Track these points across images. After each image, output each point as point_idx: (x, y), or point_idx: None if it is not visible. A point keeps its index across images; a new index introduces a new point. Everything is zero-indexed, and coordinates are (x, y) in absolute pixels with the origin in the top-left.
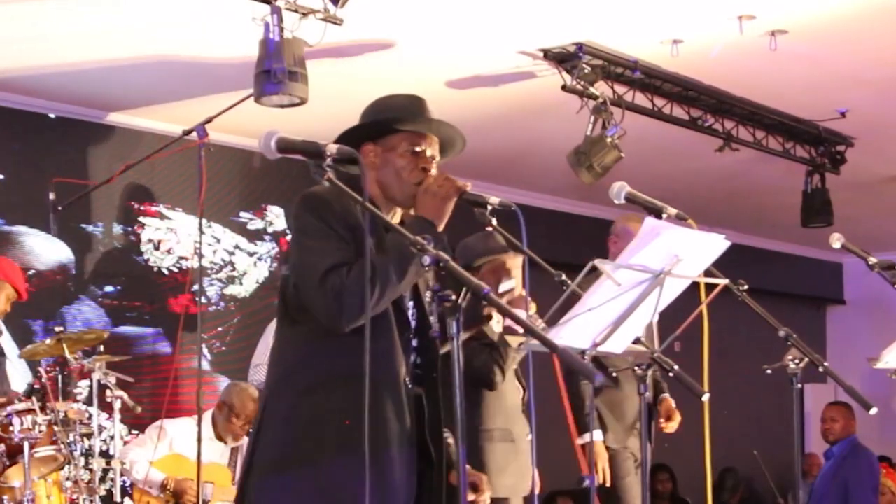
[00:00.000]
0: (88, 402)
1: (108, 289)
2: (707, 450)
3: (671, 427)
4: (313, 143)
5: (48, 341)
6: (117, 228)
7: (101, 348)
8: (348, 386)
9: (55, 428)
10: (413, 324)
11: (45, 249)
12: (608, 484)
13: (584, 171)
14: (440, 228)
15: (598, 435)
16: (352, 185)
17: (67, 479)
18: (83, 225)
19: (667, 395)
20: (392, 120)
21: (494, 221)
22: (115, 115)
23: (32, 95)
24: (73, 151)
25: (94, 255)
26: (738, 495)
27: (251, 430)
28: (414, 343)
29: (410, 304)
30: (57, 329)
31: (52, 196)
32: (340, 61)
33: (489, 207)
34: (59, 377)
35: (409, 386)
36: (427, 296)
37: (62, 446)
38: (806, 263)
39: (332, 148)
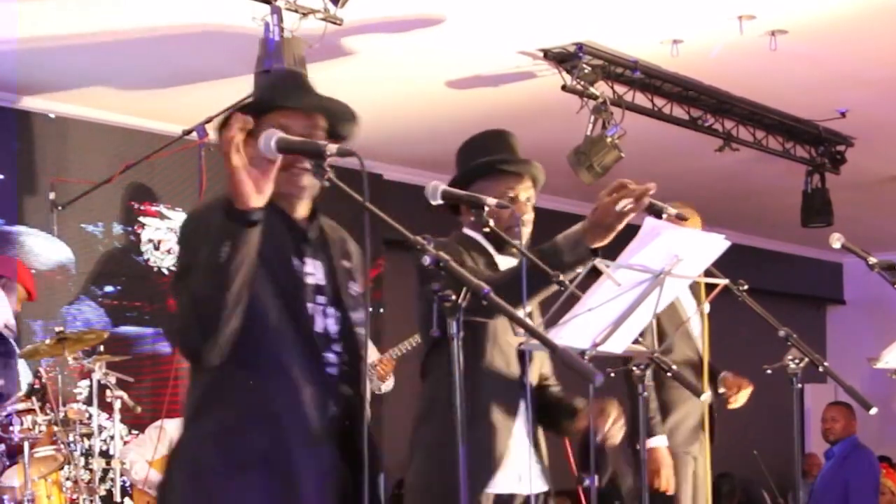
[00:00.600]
0: (88, 402)
1: (108, 289)
2: (707, 449)
3: (740, 400)
4: (313, 142)
5: (48, 341)
6: (117, 228)
7: (101, 348)
8: (250, 432)
9: (55, 428)
10: (334, 332)
11: (46, 249)
12: (670, 492)
13: (585, 171)
14: (240, 204)
15: (662, 440)
16: None
17: (67, 478)
18: (83, 225)
19: (726, 373)
20: (254, 102)
21: (492, 223)
22: (115, 114)
23: (32, 94)
24: (73, 151)
25: (94, 254)
26: (735, 500)
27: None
28: (332, 358)
29: (331, 309)
30: (57, 329)
31: (52, 196)
32: (339, 61)
33: (486, 209)
34: (59, 377)
35: (330, 411)
36: (352, 292)
37: (62, 446)
38: (806, 263)
39: (332, 148)
